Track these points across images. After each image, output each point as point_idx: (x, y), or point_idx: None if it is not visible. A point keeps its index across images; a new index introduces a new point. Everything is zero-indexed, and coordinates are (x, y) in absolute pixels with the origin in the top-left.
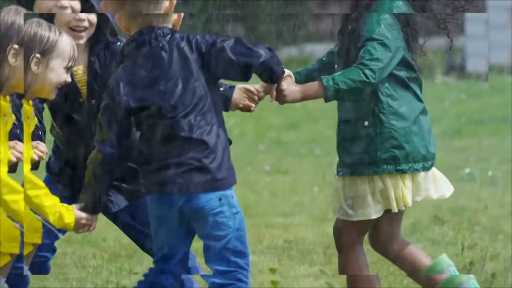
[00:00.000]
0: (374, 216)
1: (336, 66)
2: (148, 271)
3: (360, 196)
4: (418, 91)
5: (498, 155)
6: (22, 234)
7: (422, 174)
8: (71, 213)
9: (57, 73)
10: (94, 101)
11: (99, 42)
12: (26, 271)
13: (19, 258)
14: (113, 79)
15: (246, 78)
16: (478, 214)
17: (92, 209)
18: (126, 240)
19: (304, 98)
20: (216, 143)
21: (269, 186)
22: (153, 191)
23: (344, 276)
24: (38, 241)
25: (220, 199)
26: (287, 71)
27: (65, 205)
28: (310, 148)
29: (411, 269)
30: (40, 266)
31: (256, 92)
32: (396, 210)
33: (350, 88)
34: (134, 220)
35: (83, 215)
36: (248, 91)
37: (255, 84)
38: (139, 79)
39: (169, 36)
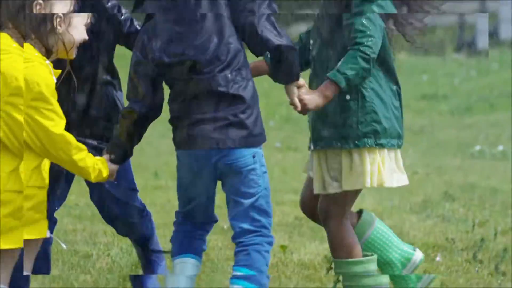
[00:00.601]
0: (348, 188)
1: (311, 46)
2: (176, 227)
3: (338, 169)
4: (395, 72)
5: (508, 131)
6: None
7: (396, 152)
8: (106, 166)
9: (79, 30)
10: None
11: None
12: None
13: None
14: (143, 35)
15: (259, 53)
16: (489, 190)
17: (121, 161)
18: None
19: (325, 100)
20: (252, 98)
21: (279, 163)
22: (186, 146)
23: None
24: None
25: (253, 156)
26: (301, 81)
27: (99, 158)
28: None
29: (337, 249)
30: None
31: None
32: (369, 185)
33: (357, 72)
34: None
35: (113, 166)
36: None
37: None
38: (171, 34)
39: None
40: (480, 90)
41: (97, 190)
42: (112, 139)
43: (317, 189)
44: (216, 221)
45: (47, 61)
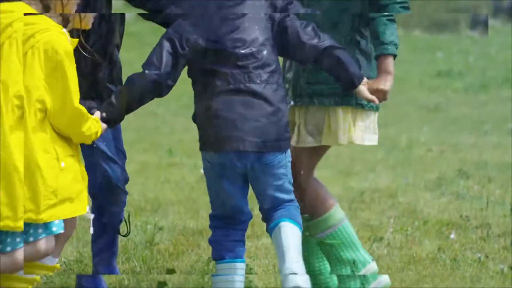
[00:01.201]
0: (324, 143)
1: None
2: (215, 231)
3: (316, 125)
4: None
5: None
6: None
7: (375, 113)
8: (100, 126)
9: None
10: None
11: None
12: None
13: None
14: (183, 15)
15: (306, 60)
16: (503, 167)
17: (113, 125)
18: (151, 194)
19: (392, 75)
20: (282, 103)
21: None
22: (219, 148)
23: (371, 226)
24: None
25: (285, 153)
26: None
27: (94, 118)
28: None
29: (311, 207)
30: None
31: None
32: (345, 143)
33: (396, 34)
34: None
35: (104, 126)
36: None
37: None
38: (212, 22)
39: None
40: (496, 67)
41: (89, 149)
42: (110, 100)
43: (293, 142)
44: (251, 217)
45: (64, 30)
